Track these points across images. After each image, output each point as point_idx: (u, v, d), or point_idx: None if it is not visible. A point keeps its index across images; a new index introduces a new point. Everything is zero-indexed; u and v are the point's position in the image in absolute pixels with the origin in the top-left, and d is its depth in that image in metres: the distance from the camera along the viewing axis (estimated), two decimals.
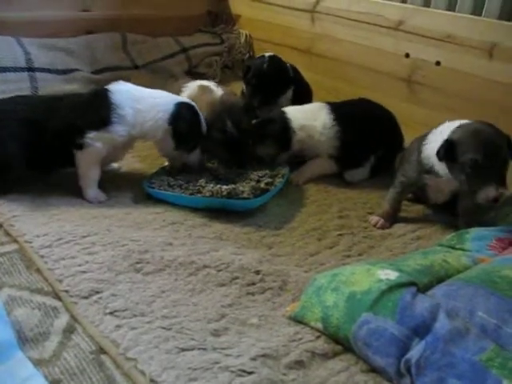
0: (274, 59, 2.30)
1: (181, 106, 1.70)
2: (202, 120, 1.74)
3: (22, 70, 2.33)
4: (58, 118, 1.62)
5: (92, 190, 1.67)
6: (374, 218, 1.67)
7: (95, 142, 1.61)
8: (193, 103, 1.75)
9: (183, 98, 1.80)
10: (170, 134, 1.68)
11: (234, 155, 1.82)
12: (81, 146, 1.62)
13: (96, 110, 1.63)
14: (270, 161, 1.91)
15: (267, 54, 2.31)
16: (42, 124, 1.61)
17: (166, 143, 1.71)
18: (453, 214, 1.66)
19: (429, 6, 2.21)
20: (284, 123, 1.92)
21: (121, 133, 1.63)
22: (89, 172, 1.66)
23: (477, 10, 2.06)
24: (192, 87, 1.96)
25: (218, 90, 1.92)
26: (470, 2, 2.07)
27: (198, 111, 1.74)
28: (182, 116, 1.68)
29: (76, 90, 2.31)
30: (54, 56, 2.47)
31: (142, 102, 1.66)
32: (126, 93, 1.67)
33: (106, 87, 1.68)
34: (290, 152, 1.95)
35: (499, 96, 1.98)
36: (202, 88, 1.94)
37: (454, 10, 2.12)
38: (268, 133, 1.91)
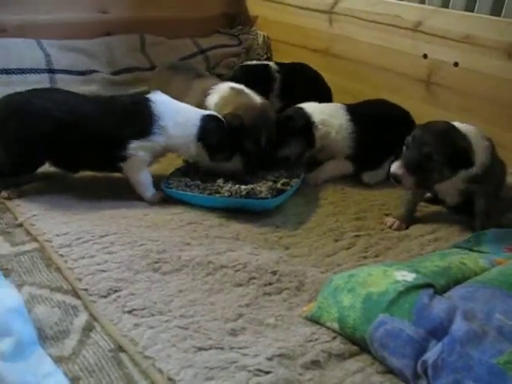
0: (244, 66, 2.41)
1: (205, 120, 1.69)
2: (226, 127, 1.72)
3: (42, 71, 2.36)
4: (97, 126, 1.62)
5: (149, 192, 1.69)
6: (389, 220, 1.67)
7: (138, 151, 1.63)
8: (215, 113, 1.75)
9: (206, 111, 1.78)
10: (201, 148, 1.69)
11: (251, 165, 1.78)
12: (124, 158, 1.64)
13: (138, 119, 1.64)
14: (295, 161, 1.88)
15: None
16: (78, 128, 1.61)
17: (202, 157, 1.73)
18: (469, 215, 1.65)
19: (447, 7, 2.20)
20: (306, 118, 1.88)
21: (160, 143, 1.66)
22: (140, 178, 1.68)
23: (496, 10, 2.04)
24: (223, 89, 1.90)
25: (254, 95, 1.86)
26: (489, 3, 2.06)
27: (222, 119, 1.72)
28: (208, 129, 1.68)
29: (95, 92, 2.34)
30: (74, 57, 2.49)
31: (180, 115, 1.68)
32: (166, 104, 1.68)
33: (146, 96, 1.69)
34: (313, 150, 1.92)
35: None
36: (237, 90, 1.88)
37: (472, 11, 2.11)
38: (291, 130, 1.86)
